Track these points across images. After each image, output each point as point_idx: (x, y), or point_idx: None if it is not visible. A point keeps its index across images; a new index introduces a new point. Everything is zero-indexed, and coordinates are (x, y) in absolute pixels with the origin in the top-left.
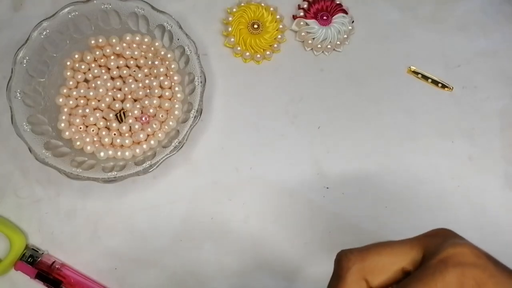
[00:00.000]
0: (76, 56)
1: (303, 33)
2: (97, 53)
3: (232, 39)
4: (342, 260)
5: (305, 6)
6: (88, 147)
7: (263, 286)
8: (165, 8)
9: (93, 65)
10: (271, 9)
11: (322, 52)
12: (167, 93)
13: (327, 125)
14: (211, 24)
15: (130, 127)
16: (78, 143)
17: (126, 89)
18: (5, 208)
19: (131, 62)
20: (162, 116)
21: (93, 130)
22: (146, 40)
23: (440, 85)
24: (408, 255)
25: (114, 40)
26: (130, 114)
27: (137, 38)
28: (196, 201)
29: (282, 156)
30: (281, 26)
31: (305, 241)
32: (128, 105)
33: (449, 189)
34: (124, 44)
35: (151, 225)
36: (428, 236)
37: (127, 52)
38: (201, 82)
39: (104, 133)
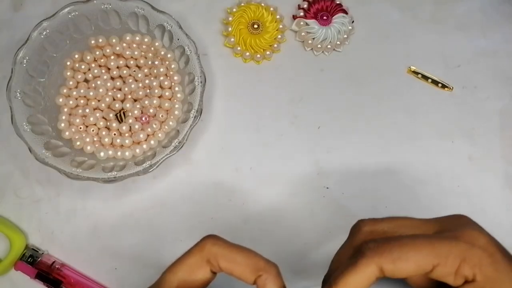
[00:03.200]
0: (76, 56)
1: (303, 33)
2: (97, 53)
3: (232, 39)
4: (358, 223)
5: (305, 6)
6: (88, 147)
7: None
8: (165, 8)
9: (93, 65)
10: (271, 9)
11: (322, 52)
12: (167, 93)
13: (327, 125)
14: (211, 24)
15: (130, 127)
16: (78, 143)
17: (126, 89)
18: (5, 208)
19: (131, 62)
20: (162, 116)
21: (93, 130)
22: (146, 40)
23: (440, 85)
24: (420, 229)
25: (114, 40)
26: (130, 114)
27: (137, 38)
28: (196, 201)
29: (282, 156)
30: (281, 26)
31: (305, 241)
32: (128, 105)
33: (449, 189)
34: (124, 44)
35: (151, 225)
36: (447, 218)
37: (127, 52)
38: (201, 82)
39: (104, 133)
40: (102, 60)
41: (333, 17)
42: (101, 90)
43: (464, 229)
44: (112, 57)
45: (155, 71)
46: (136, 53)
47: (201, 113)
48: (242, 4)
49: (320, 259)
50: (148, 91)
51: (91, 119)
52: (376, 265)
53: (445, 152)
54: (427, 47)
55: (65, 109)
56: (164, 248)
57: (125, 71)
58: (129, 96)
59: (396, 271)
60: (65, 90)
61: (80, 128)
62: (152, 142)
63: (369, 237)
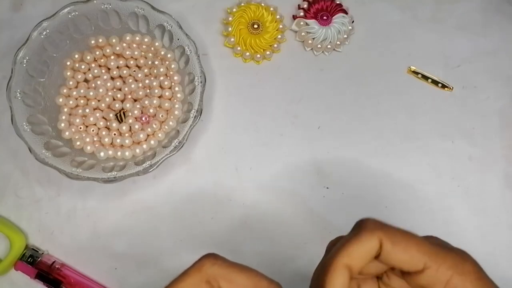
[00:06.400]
0: (76, 56)
1: (303, 33)
2: (97, 53)
3: (232, 39)
4: (367, 220)
5: (305, 6)
6: (88, 147)
7: None
8: (165, 8)
9: (93, 65)
10: (271, 9)
11: (322, 52)
12: (167, 93)
13: (327, 125)
14: (211, 24)
15: (130, 127)
16: (78, 143)
17: (126, 89)
18: (5, 208)
19: (131, 62)
20: (162, 116)
21: (93, 130)
22: (146, 40)
23: (440, 85)
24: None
25: (114, 40)
26: (130, 114)
27: (137, 38)
28: (196, 201)
29: (282, 156)
30: (281, 26)
31: (305, 241)
32: (128, 105)
33: (449, 189)
34: (124, 44)
35: (151, 225)
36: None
37: (127, 52)
38: (201, 82)
39: (104, 133)
40: (102, 60)
41: (333, 17)
42: (101, 90)
43: (457, 248)
44: (112, 57)
45: (155, 71)
46: (136, 53)
47: (201, 113)
48: (242, 4)
49: (320, 259)
50: (148, 91)
51: (91, 119)
52: (378, 239)
53: (445, 152)
54: (427, 47)
55: (65, 109)
56: (164, 248)
57: (125, 71)
58: (129, 96)
59: (392, 254)
60: (65, 90)
61: (80, 128)
62: (152, 142)
63: (377, 243)
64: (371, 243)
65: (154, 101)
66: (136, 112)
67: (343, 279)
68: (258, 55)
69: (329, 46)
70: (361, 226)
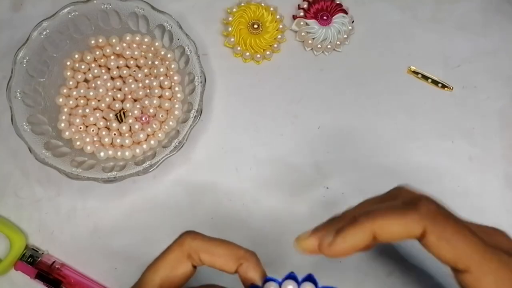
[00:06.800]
0: (76, 56)
1: (303, 33)
2: (97, 53)
3: (232, 39)
4: (423, 202)
5: (305, 6)
6: (88, 147)
7: None
8: (165, 8)
9: (93, 65)
10: (271, 9)
11: (322, 52)
12: (167, 93)
13: (327, 125)
14: (211, 24)
15: (130, 127)
16: (78, 143)
17: (126, 89)
18: (5, 208)
19: (131, 62)
20: (162, 116)
21: (93, 130)
22: (146, 40)
23: (440, 85)
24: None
25: (114, 40)
26: (130, 114)
27: (137, 38)
28: (196, 201)
29: (282, 156)
30: (281, 26)
31: None
32: (128, 105)
33: (449, 189)
34: (124, 44)
35: (151, 225)
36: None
37: (127, 52)
38: (201, 82)
39: (104, 133)
40: (102, 60)
41: (333, 17)
42: (101, 90)
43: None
44: (112, 57)
45: (155, 71)
46: (136, 53)
47: (201, 113)
48: (242, 4)
49: (319, 258)
50: (148, 91)
51: (91, 119)
52: (422, 227)
53: (445, 152)
54: (427, 47)
55: (65, 109)
56: (164, 248)
57: (125, 71)
58: (129, 96)
59: (435, 247)
60: (65, 90)
61: (80, 128)
62: (152, 142)
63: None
64: (411, 228)
65: (154, 101)
66: (136, 112)
67: (359, 240)
68: (258, 55)
69: (329, 46)
70: (415, 205)
